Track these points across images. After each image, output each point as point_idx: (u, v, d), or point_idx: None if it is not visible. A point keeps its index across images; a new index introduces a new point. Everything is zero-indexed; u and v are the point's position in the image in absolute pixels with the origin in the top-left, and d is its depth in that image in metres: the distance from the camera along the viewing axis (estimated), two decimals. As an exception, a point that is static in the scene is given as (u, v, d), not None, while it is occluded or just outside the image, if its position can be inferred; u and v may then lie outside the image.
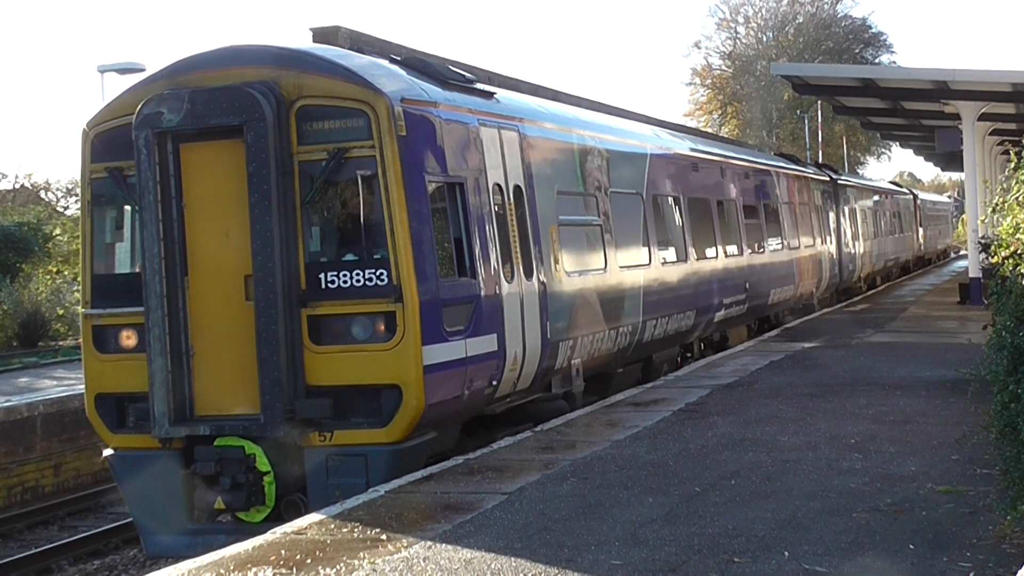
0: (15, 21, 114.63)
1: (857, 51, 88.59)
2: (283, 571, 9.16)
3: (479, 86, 15.75)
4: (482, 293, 13.97)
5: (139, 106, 13.00)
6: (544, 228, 15.99)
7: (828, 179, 38.76)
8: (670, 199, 22.48)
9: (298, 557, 9.53)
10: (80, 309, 13.98)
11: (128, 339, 13.33)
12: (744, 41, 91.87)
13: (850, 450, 12.82)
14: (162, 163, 12.91)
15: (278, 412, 12.48)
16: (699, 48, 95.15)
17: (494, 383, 14.20)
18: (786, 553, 8.91)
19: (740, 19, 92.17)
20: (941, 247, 78.54)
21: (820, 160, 57.37)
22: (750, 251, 27.24)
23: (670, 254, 21.80)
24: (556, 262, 16.27)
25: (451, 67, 15.64)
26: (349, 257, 13.07)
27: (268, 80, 12.87)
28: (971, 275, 32.95)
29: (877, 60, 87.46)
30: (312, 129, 12.88)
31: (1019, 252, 10.14)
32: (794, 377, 19.29)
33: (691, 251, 22.75)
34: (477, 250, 13.99)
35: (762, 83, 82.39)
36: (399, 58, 14.85)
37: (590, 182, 18.33)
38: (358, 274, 12.73)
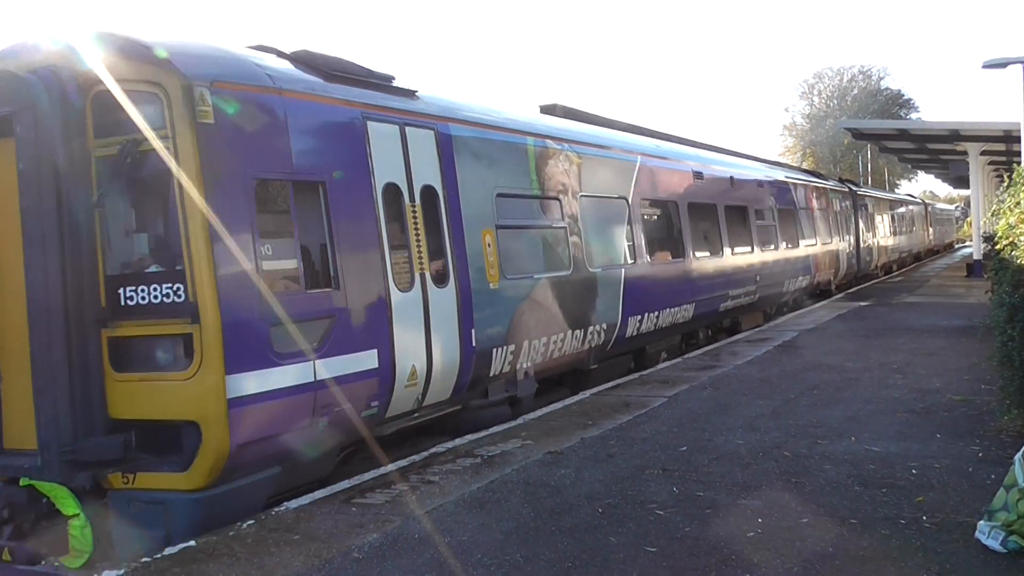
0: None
1: (894, 111, 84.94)
2: (530, 441, 9.31)
3: (397, 84, 9.87)
4: (350, 306, 8.23)
5: None
6: (472, 231, 10.20)
7: (847, 190, 31.83)
8: (665, 203, 15.89)
9: (536, 433, 9.68)
10: None
11: None
12: (817, 106, 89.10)
13: (894, 372, 12.36)
14: None
15: (54, 453, 7.16)
16: (787, 111, 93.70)
17: (374, 404, 8.52)
18: (853, 438, 8.70)
19: (815, 92, 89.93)
20: (948, 241, 73.69)
21: (870, 181, 54.62)
22: (761, 249, 20.07)
23: (662, 254, 15.43)
24: (490, 267, 10.43)
25: (360, 65, 9.54)
26: (153, 269, 7.47)
27: (55, 64, 7.43)
28: (975, 257, 32.12)
29: (908, 116, 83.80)
30: (108, 119, 7.39)
31: (1013, 242, 9.68)
32: (855, 324, 18.56)
33: (690, 250, 16.12)
34: (346, 258, 8.31)
35: (830, 133, 79.92)
36: (287, 53, 9.04)
37: (551, 185, 12.06)
38: (156, 289, 7.31)
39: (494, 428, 10.05)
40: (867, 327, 17.87)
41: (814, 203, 25.85)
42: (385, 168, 9.03)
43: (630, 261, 13.92)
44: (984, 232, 25.75)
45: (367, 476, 8.24)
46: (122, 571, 6.22)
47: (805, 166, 71.11)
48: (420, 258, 9.30)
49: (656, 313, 14.51)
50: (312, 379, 7.72)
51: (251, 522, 7.03)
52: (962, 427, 8.96)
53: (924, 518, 6.33)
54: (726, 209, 18.23)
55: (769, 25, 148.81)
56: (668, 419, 10.01)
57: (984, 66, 22.17)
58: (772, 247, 20.94)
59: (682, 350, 16.31)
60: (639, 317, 13.89)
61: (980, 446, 8.17)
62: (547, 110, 14.46)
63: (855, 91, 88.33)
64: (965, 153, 33.30)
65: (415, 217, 9.36)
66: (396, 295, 8.84)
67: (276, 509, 7.36)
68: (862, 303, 23.59)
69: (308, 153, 8.18)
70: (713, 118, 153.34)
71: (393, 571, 5.88)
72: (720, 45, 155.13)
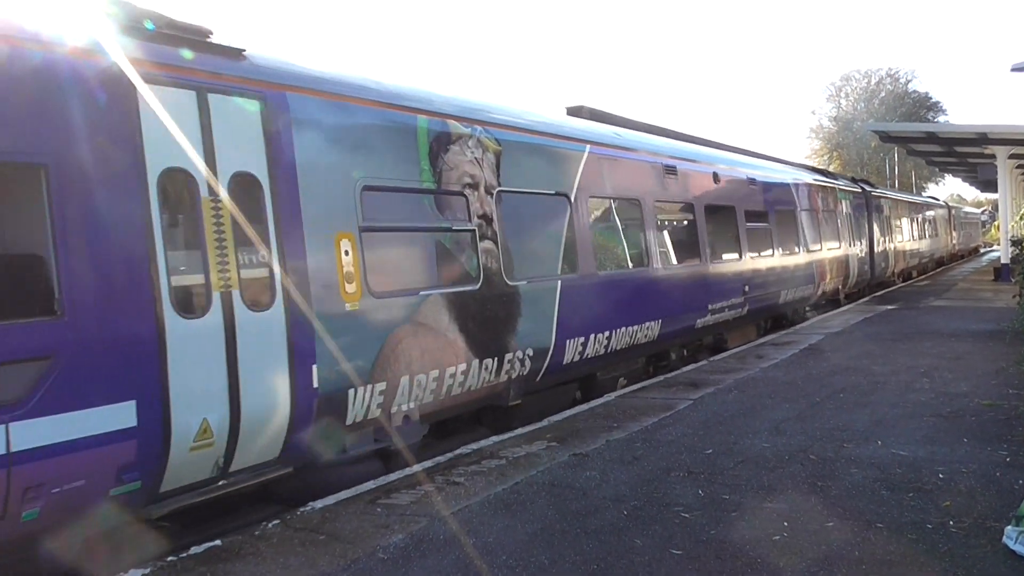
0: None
1: (922, 114, 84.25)
2: (555, 443, 9.28)
3: (213, 40, 7.20)
4: (85, 340, 5.76)
5: None
6: (319, 235, 7.59)
7: (860, 191, 28.32)
8: (624, 202, 13.08)
9: (562, 435, 9.64)
10: None
11: None
12: (845, 108, 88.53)
13: (921, 376, 12.21)
14: None
15: None
16: (814, 114, 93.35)
17: (131, 477, 6.10)
18: (879, 442, 8.61)
19: (842, 94, 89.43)
20: (973, 245, 71.94)
21: (897, 185, 53.71)
22: (752, 255, 17.26)
23: (617, 262, 12.80)
24: (347, 281, 7.81)
25: (157, 13, 6.80)
26: None
27: None
28: (1002, 261, 31.89)
29: (935, 119, 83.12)
30: None
31: (1043, 245, 9.60)
32: (881, 328, 18.36)
33: (655, 257, 13.42)
34: (81, 273, 5.85)
35: (857, 136, 79.38)
36: None
37: (452, 177, 9.38)
38: None
39: (519, 430, 10.03)
40: (894, 331, 17.68)
41: (819, 204, 22.65)
42: (166, 148, 6.46)
43: (569, 271, 11.32)
44: (1012, 236, 25.53)
45: (392, 477, 8.25)
46: (148, 570, 6.11)
47: (832, 169, 70.54)
48: (224, 271, 6.74)
49: (607, 333, 11.90)
50: (4, 450, 5.34)
51: (276, 522, 7.06)
52: (990, 432, 8.83)
53: (951, 523, 6.25)
54: (707, 209, 15.52)
55: (797, 28, 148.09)
56: (694, 422, 9.95)
57: (1013, 69, 21.96)
58: (766, 253, 18.24)
59: (648, 373, 13.91)
60: (581, 339, 11.32)
61: (1008, 451, 8.05)
62: (573, 112, 14.33)
63: (883, 94, 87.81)
64: (993, 156, 32.99)
65: (218, 216, 6.77)
66: (175, 323, 6.34)
67: (302, 509, 7.38)
68: (888, 307, 23.37)
69: (14, 123, 5.70)
70: (740, 121, 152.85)
71: (419, 572, 5.89)
72: (748, 48, 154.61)
